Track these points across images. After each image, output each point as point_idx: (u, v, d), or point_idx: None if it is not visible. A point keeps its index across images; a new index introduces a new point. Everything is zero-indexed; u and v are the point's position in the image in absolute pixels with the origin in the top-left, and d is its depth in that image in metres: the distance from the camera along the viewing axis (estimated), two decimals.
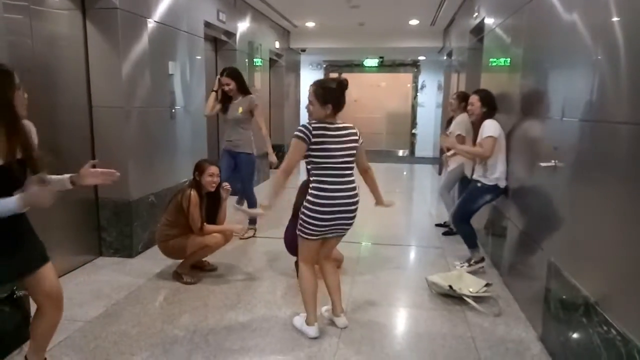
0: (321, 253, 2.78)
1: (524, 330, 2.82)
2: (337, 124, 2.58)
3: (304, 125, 2.52)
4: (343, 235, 2.75)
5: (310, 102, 2.57)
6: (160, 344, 2.59)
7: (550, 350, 2.53)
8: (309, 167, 2.63)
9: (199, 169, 3.42)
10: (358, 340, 2.68)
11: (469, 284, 3.24)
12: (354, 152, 2.60)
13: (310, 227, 2.56)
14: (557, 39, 2.74)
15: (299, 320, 2.80)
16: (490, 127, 3.52)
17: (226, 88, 4.33)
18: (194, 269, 3.61)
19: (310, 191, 2.56)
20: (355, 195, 2.62)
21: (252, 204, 4.49)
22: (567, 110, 2.50)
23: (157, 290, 3.35)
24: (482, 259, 3.79)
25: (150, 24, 4.11)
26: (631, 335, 1.71)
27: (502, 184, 3.56)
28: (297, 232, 2.65)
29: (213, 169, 3.42)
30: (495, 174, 3.54)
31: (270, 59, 8.38)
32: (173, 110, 4.54)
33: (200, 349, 2.55)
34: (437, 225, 5.16)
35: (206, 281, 3.50)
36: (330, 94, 2.52)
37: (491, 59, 4.54)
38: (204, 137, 5.43)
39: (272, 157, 4.78)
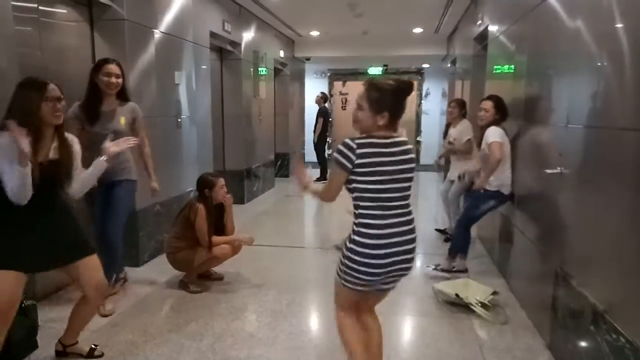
0: (367, 305, 2.17)
1: (532, 338, 2.80)
2: (392, 138, 1.96)
3: (345, 143, 1.89)
4: (397, 282, 2.07)
5: (359, 106, 1.95)
6: (166, 353, 2.59)
7: (559, 358, 2.50)
8: (352, 195, 1.95)
9: (209, 184, 3.44)
10: None
11: (476, 292, 3.22)
12: (412, 175, 1.98)
13: (355, 274, 1.92)
14: (561, 45, 2.75)
15: None
16: (494, 133, 3.53)
17: (113, 81, 3.04)
18: (200, 278, 3.62)
19: (355, 229, 1.94)
20: (413, 231, 1.99)
21: (116, 257, 3.19)
22: (571, 116, 2.51)
23: (164, 299, 3.36)
24: (466, 270, 3.78)
25: (157, 34, 4.16)
26: None
27: (506, 190, 3.56)
28: (337, 276, 2.05)
29: (222, 181, 3.50)
30: (499, 180, 3.54)
31: (275, 68, 8.44)
32: (179, 120, 4.58)
33: (207, 358, 2.55)
34: (437, 230, 5.15)
35: (213, 290, 3.51)
36: (389, 98, 1.91)
37: (495, 66, 4.55)
38: (210, 146, 5.46)
39: (155, 184, 3.47)
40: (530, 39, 3.43)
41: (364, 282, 1.94)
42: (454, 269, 3.80)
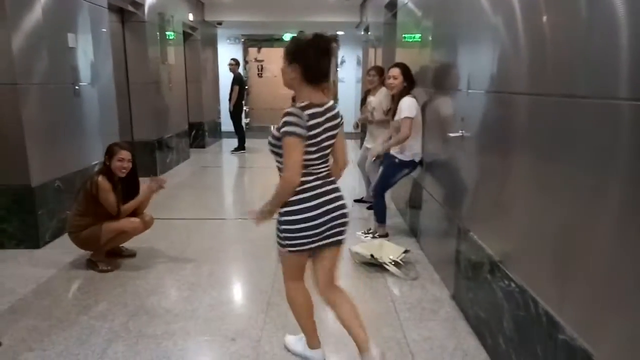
0: (320, 279, 2.15)
1: (439, 290, 3.03)
2: (326, 104, 1.93)
3: (294, 114, 1.81)
4: (340, 241, 2.09)
5: (283, 64, 1.92)
6: (75, 336, 2.45)
7: (461, 306, 2.74)
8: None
9: (109, 152, 3.21)
10: (284, 314, 2.72)
11: (389, 252, 3.39)
12: (332, 141, 1.99)
13: (297, 234, 1.94)
14: (463, 14, 2.88)
15: (298, 344, 2.30)
16: (407, 108, 3.62)
17: None
18: (110, 256, 3.42)
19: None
20: (339, 189, 2.05)
21: None
22: (472, 82, 2.66)
23: (70, 280, 3.15)
24: (387, 235, 3.95)
25: None
26: (527, 286, 1.90)
27: (418, 158, 3.74)
28: (279, 247, 2.05)
29: (124, 154, 3.21)
30: (412, 150, 3.70)
31: (184, 32, 7.99)
32: (77, 87, 4.19)
33: (120, 337, 2.45)
34: (355, 200, 5.25)
35: (125, 267, 3.35)
36: (305, 51, 1.87)
37: (404, 34, 4.67)
38: (115, 116, 5.09)
39: None
40: (435, 7, 3.55)
41: (307, 241, 1.95)
42: (377, 235, 3.93)
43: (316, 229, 1.94)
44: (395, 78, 3.78)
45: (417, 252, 3.65)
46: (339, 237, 2.07)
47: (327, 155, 2.00)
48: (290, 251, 2.01)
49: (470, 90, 2.68)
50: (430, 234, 3.59)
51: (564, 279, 1.66)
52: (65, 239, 3.50)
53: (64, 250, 3.56)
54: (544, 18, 1.85)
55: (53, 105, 3.86)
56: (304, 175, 1.91)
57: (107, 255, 3.37)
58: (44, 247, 3.69)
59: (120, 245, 3.48)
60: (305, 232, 1.94)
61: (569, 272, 1.64)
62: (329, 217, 1.97)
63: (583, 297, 1.57)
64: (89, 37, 4.43)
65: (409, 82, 3.76)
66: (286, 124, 1.82)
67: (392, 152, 3.83)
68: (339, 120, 1.99)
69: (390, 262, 3.28)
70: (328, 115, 1.92)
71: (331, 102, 1.98)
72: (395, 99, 3.82)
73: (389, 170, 3.84)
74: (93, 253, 3.31)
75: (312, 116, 1.84)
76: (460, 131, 2.75)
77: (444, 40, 3.31)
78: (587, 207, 1.54)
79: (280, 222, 1.98)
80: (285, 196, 1.92)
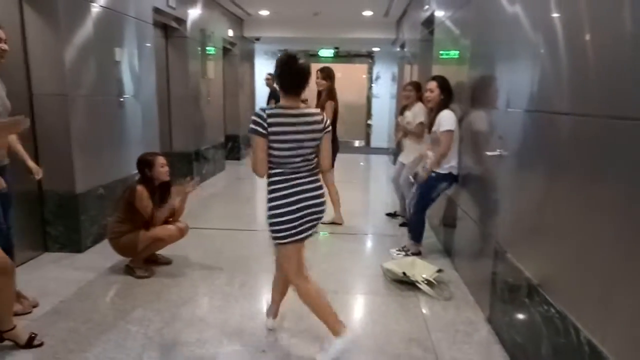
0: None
1: (473, 312, 2.96)
2: (299, 109, 2.22)
3: (257, 113, 2.17)
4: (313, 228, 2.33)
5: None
6: (112, 340, 2.52)
7: (497, 330, 2.66)
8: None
9: (148, 163, 3.34)
10: (315, 327, 2.71)
11: (422, 270, 3.35)
12: (317, 142, 2.27)
13: (281, 226, 2.21)
14: (502, 32, 2.85)
15: (328, 354, 2.29)
16: (448, 120, 3.59)
17: (3, 47, 2.55)
18: (147, 262, 3.52)
19: (268, 189, 2.24)
20: (320, 190, 2.30)
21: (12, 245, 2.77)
22: (511, 100, 2.62)
23: (109, 285, 3.25)
24: (419, 253, 3.89)
25: (95, 8, 3.92)
26: (567, 312, 1.84)
27: (455, 171, 3.68)
28: (273, 243, 2.30)
29: (162, 159, 3.39)
30: (450, 162, 3.66)
31: (224, 48, 8.22)
32: (121, 99, 4.37)
33: (154, 343, 2.50)
34: (387, 214, 5.25)
35: (160, 275, 3.43)
36: (279, 68, 2.21)
37: (441, 51, 4.66)
38: (156, 127, 5.27)
39: (31, 162, 2.94)
40: (473, 24, 3.53)
41: (287, 234, 2.22)
42: (410, 252, 3.89)
43: (291, 223, 2.21)
44: (431, 91, 3.76)
45: (451, 272, 3.58)
46: (310, 232, 2.32)
47: (307, 154, 2.24)
48: (277, 243, 2.27)
49: (509, 109, 2.64)
50: (465, 254, 3.52)
51: (608, 306, 1.60)
52: (105, 245, 3.63)
53: (104, 255, 3.68)
54: (588, 36, 1.82)
55: (99, 116, 4.04)
56: (276, 168, 2.22)
57: (144, 262, 3.47)
58: (86, 252, 3.83)
59: (157, 252, 3.58)
60: (283, 226, 2.21)
61: (614, 299, 1.58)
62: (303, 213, 2.23)
63: (629, 326, 1.50)
64: (134, 51, 4.63)
65: (447, 95, 3.74)
66: (250, 123, 2.18)
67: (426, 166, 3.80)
68: (320, 126, 2.25)
69: (423, 281, 3.23)
70: (304, 119, 2.21)
71: (313, 110, 2.29)
72: (433, 112, 3.80)
73: (427, 185, 3.77)
74: (131, 259, 3.42)
75: (272, 115, 2.15)
76: (498, 150, 2.71)
77: (482, 58, 3.28)
78: (635, 232, 1.48)
79: (266, 215, 2.26)
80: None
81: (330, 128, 2.32)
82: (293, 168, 2.22)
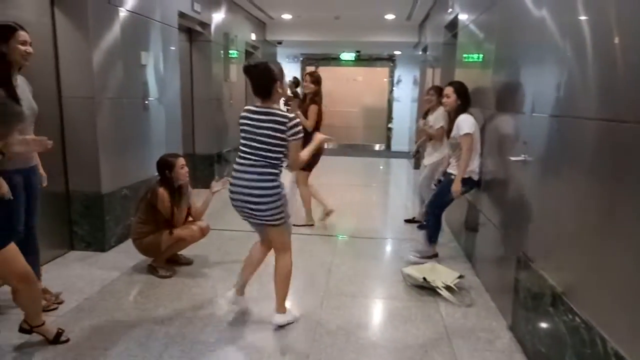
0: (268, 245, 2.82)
1: (495, 319, 2.91)
2: (264, 108, 2.49)
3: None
4: (258, 223, 2.63)
5: None
6: (134, 338, 2.57)
7: (519, 338, 2.61)
8: None
9: (169, 164, 3.39)
10: (334, 331, 2.71)
11: (442, 276, 3.31)
12: (269, 139, 2.44)
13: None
14: (527, 35, 2.81)
15: (285, 317, 2.75)
16: (466, 124, 3.57)
17: (28, 50, 2.53)
18: (169, 262, 3.57)
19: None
20: (254, 188, 2.47)
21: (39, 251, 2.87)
22: (536, 105, 2.58)
23: (132, 284, 3.31)
24: (436, 255, 3.86)
25: (122, 12, 4.02)
26: (594, 322, 1.79)
27: (475, 176, 3.64)
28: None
29: (182, 160, 3.45)
30: (470, 167, 3.62)
31: (246, 51, 8.30)
32: (146, 102, 4.46)
33: (176, 343, 2.54)
34: (406, 221, 5.18)
35: (182, 274, 3.48)
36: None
37: (465, 55, 4.61)
38: (179, 130, 5.36)
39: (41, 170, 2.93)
40: (498, 28, 3.49)
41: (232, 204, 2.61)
42: (424, 255, 3.86)
43: (234, 205, 2.59)
44: (448, 97, 3.75)
45: (472, 278, 3.53)
46: (256, 220, 2.60)
47: (259, 148, 2.46)
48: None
49: (534, 114, 2.60)
50: (487, 260, 3.47)
51: (637, 317, 1.55)
52: (128, 244, 3.70)
53: (127, 255, 3.76)
54: (616, 40, 1.77)
55: (124, 119, 4.12)
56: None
57: (166, 262, 3.52)
58: (110, 251, 3.91)
59: (178, 252, 3.63)
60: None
61: None
62: (236, 197, 2.55)
63: None
64: (159, 55, 4.72)
65: (463, 100, 3.71)
66: None
67: (449, 170, 3.76)
68: (281, 127, 2.43)
69: (444, 287, 3.20)
70: (264, 117, 2.46)
71: (279, 111, 2.47)
72: (451, 117, 3.78)
73: (446, 187, 3.74)
74: (153, 259, 3.48)
75: (243, 111, 2.55)
76: (523, 155, 2.66)
77: (507, 61, 3.23)
78: None
79: None
80: None
81: (299, 132, 2.48)
82: (242, 157, 2.52)
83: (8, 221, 2.54)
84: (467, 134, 3.53)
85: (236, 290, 2.89)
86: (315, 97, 4.76)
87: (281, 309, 2.73)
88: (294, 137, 2.47)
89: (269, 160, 2.47)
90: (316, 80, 4.79)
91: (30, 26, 2.67)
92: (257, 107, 2.52)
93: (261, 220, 2.56)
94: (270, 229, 2.63)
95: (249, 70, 2.50)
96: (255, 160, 2.47)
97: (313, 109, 4.66)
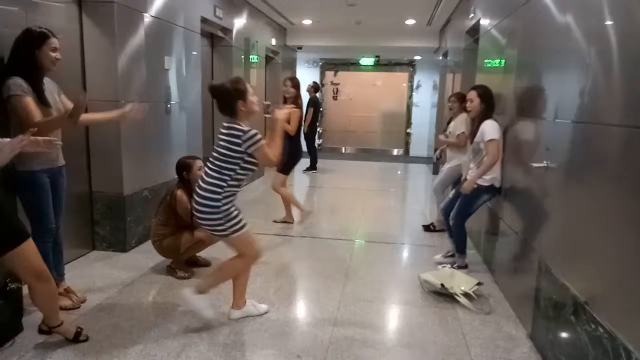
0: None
1: (514, 328, 2.86)
2: (230, 123, 2.57)
3: None
4: (214, 235, 2.72)
5: None
6: (153, 338, 2.60)
7: (539, 347, 2.56)
8: None
9: (187, 167, 3.45)
10: (350, 336, 2.70)
11: (461, 283, 3.27)
12: (224, 152, 2.52)
13: None
14: (551, 41, 2.77)
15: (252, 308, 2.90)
16: (492, 130, 3.50)
17: (58, 56, 2.65)
18: (187, 264, 3.62)
19: None
20: (201, 199, 2.54)
21: (61, 269, 3.00)
22: (559, 111, 2.54)
23: (151, 284, 3.36)
24: (466, 266, 3.80)
25: (147, 18, 4.10)
26: (618, 333, 1.75)
27: (497, 183, 3.58)
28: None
29: (199, 162, 3.50)
30: (492, 174, 3.56)
31: (267, 56, 8.39)
32: (169, 106, 4.54)
33: (193, 343, 2.56)
34: (424, 227, 5.09)
35: (200, 276, 3.51)
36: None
37: (486, 60, 4.57)
38: (200, 133, 5.43)
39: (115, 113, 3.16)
40: (520, 33, 3.45)
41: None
42: (455, 266, 3.80)
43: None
44: (471, 101, 3.69)
45: (491, 286, 3.48)
46: (208, 230, 2.67)
47: (216, 158, 2.56)
48: None
49: (557, 120, 2.56)
50: (507, 268, 3.41)
51: None
52: (148, 245, 3.76)
53: (147, 255, 3.82)
54: None
55: (147, 122, 4.17)
56: None
57: (185, 264, 3.57)
58: (130, 252, 3.98)
59: (197, 254, 3.67)
60: None
61: None
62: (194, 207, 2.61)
63: None
64: (182, 59, 4.80)
65: (487, 104, 3.65)
66: None
67: (470, 177, 3.71)
68: (237, 140, 2.51)
69: (461, 294, 3.16)
70: (224, 131, 2.56)
71: (238, 126, 2.53)
72: (476, 122, 3.72)
73: (469, 197, 3.68)
74: (173, 260, 3.52)
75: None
76: (545, 162, 2.62)
77: (529, 67, 3.19)
78: None
79: None
80: None
81: (257, 142, 2.52)
82: (206, 167, 2.63)
83: (39, 220, 2.63)
84: (492, 140, 3.47)
85: (196, 289, 2.75)
86: (296, 101, 4.86)
87: (202, 288, 2.74)
88: (253, 148, 2.53)
89: (222, 171, 2.54)
90: (297, 84, 4.92)
91: (60, 32, 2.76)
92: (225, 122, 2.61)
93: (205, 227, 2.67)
94: (222, 238, 2.71)
95: (211, 91, 2.62)
96: (210, 168, 2.58)
97: (295, 113, 4.65)
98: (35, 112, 2.51)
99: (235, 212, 2.61)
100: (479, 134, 3.59)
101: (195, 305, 2.72)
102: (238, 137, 2.51)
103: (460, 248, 3.81)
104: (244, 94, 2.58)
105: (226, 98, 2.57)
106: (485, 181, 3.57)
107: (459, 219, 3.75)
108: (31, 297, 2.35)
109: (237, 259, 2.76)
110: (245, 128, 2.53)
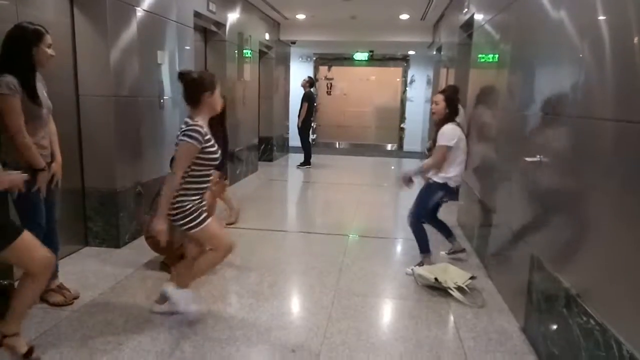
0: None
1: (507, 321, 2.88)
2: (187, 118, 2.54)
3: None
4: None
5: None
6: (147, 334, 2.60)
7: (532, 340, 2.59)
8: None
9: None
10: (344, 330, 2.72)
11: (454, 277, 3.29)
12: (176, 148, 2.50)
13: None
14: (544, 36, 2.78)
15: (178, 293, 2.74)
16: (448, 136, 3.52)
17: (52, 53, 2.60)
18: (181, 260, 3.59)
19: None
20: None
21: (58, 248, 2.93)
22: (552, 106, 2.55)
23: (144, 280, 3.35)
24: (463, 250, 3.83)
25: (139, 12, 4.06)
26: (609, 325, 1.77)
27: (452, 183, 3.61)
28: None
29: None
30: (447, 174, 3.58)
31: (260, 51, 8.34)
32: (162, 101, 4.51)
33: (187, 338, 2.56)
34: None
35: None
36: None
37: (480, 55, 4.58)
38: None
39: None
40: (514, 28, 3.46)
41: None
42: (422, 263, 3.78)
43: None
44: (436, 104, 3.67)
45: (484, 279, 3.51)
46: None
47: (174, 155, 2.56)
48: None
49: (550, 114, 2.57)
50: (500, 261, 3.44)
51: None
52: (141, 241, 3.75)
53: (140, 251, 3.80)
54: (636, 39, 1.75)
55: (140, 117, 4.17)
56: None
57: (178, 259, 3.55)
58: (123, 248, 3.96)
59: None
60: None
61: None
62: None
63: None
64: (175, 54, 4.76)
65: (451, 109, 3.63)
66: None
67: (429, 175, 3.70)
68: (179, 134, 2.49)
69: (455, 287, 3.18)
70: (183, 126, 2.52)
71: (188, 120, 2.53)
72: (437, 127, 3.70)
73: (423, 192, 3.72)
74: (166, 257, 3.51)
75: None
76: (538, 156, 2.63)
77: (523, 62, 3.20)
78: None
79: None
80: None
81: (185, 137, 2.43)
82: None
83: (31, 216, 2.60)
84: (442, 145, 3.51)
85: (176, 284, 2.77)
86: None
87: (182, 283, 2.75)
88: (180, 138, 2.47)
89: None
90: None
91: (51, 26, 2.73)
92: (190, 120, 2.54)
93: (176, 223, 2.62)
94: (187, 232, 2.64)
95: (180, 78, 2.58)
96: (171, 166, 2.59)
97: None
98: (18, 116, 2.43)
99: (192, 209, 2.53)
100: (438, 137, 3.61)
101: (179, 299, 2.71)
102: (181, 129, 2.50)
103: (422, 247, 3.72)
104: (214, 87, 2.57)
105: (194, 87, 2.54)
106: (439, 179, 3.60)
107: (414, 217, 3.73)
108: (19, 291, 2.22)
109: (210, 252, 2.72)
110: (191, 122, 2.49)
